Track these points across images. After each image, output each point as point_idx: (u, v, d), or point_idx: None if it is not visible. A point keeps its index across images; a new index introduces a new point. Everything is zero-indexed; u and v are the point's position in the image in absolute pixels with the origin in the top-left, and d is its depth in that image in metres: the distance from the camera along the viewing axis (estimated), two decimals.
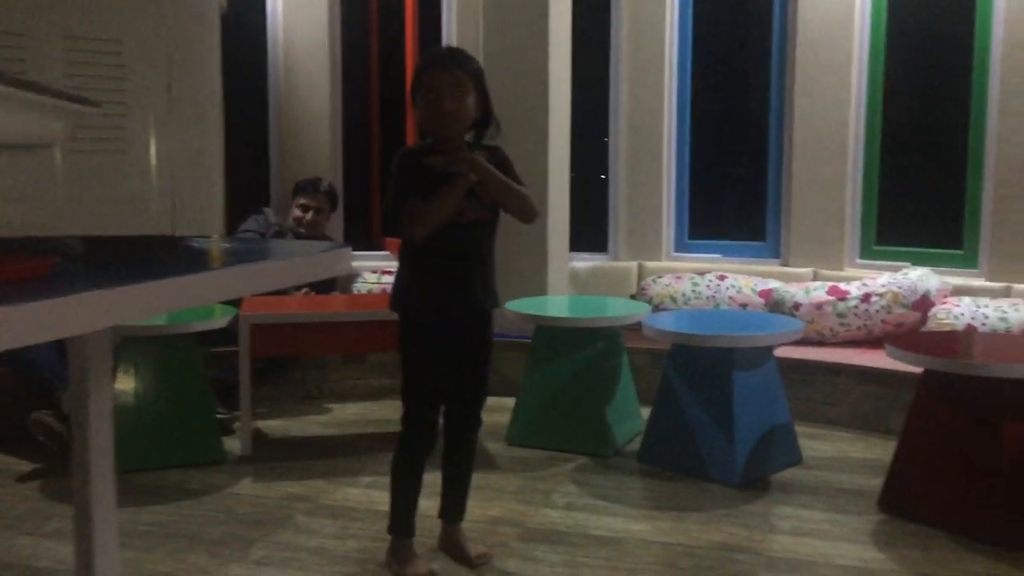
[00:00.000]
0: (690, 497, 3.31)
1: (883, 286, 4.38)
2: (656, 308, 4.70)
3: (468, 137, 2.59)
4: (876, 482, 3.31)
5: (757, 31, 5.25)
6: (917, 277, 4.37)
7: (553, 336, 3.88)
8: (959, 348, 3.29)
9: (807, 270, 4.93)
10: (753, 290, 4.76)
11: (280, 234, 4.76)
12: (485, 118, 2.59)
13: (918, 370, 3.12)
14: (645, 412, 3.87)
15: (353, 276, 5.16)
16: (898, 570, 2.71)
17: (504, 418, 4.04)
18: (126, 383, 3.61)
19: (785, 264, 5.08)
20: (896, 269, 4.54)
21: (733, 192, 5.66)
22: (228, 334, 3.83)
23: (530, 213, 2.58)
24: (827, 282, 4.59)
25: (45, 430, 3.52)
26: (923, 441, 3.07)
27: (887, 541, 2.92)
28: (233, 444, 3.85)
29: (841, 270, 4.87)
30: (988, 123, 4.52)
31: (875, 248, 4.91)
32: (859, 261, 4.92)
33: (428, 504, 2.81)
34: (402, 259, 2.66)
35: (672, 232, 5.42)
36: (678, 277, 4.97)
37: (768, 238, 5.22)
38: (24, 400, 3.67)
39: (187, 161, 1.46)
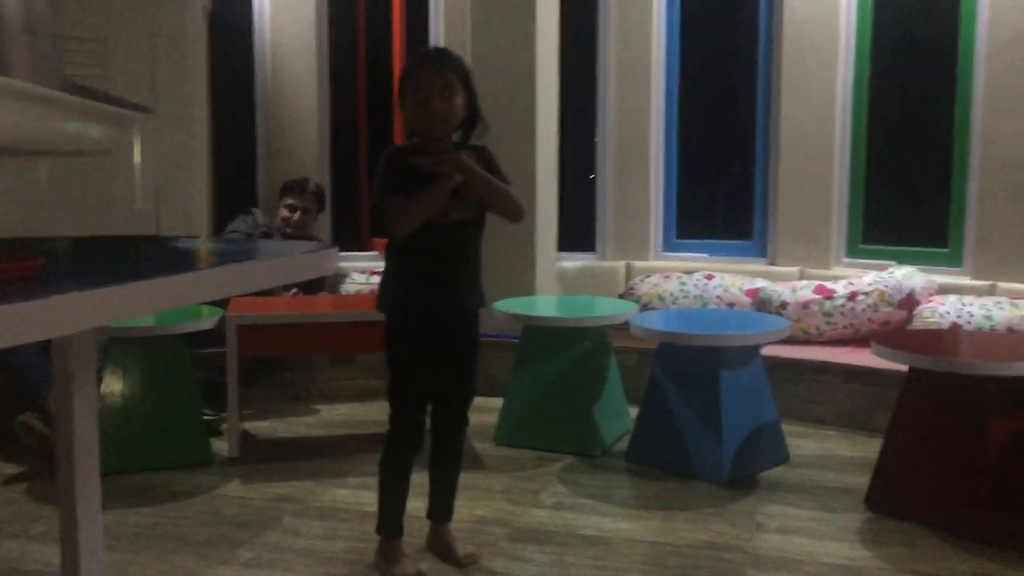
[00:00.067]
0: (678, 496, 3.32)
1: (869, 285, 4.41)
2: (644, 307, 4.71)
3: (455, 137, 2.60)
4: (863, 480, 3.32)
5: (744, 31, 5.27)
6: (903, 276, 4.39)
7: (541, 336, 3.89)
8: (944, 346, 3.31)
9: (794, 269, 4.95)
10: (740, 289, 4.78)
11: (268, 235, 4.75)
12: (472, 118, 2.59)
13: (904, 368, 3.14)
14: (633, 411, 3.88)
15: (341, 277, 5.16)
16: (885, 568, 2.73)
17: (492, 418, 4.04)
18: (113, 384, 3.60)
19: (772, 263, 5.10)
20: (882, 268, 4.57)
21: (720, 191, 5.68)
22: (215, 335, 3.81)
23: (516, 213, 2.58)
24: (814, 281, 4.61)
25: (31, 433, 3.50)
26: (909, 439, 3.08)
27: (874, 539, 2.94)
28: (221, 445, 3.84)
29: (827, 269, 4.89)
30: (973, 123, 4.54)
31: (861, 247, 4.94)
32: (845, 260, 4.95)
33: (416, 504, 2.81)
34: (388, 259, 2.66)
35: (660, 231, 5.44)
36: (666, 276, 4.98)
37: (755, 237, 5.24)
38: (9, 402, 3.65)
39: (171, 161, 1.46)
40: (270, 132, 5.43)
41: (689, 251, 5.37)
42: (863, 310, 4.37)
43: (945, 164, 4.69)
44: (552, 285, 4.95)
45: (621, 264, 5.36)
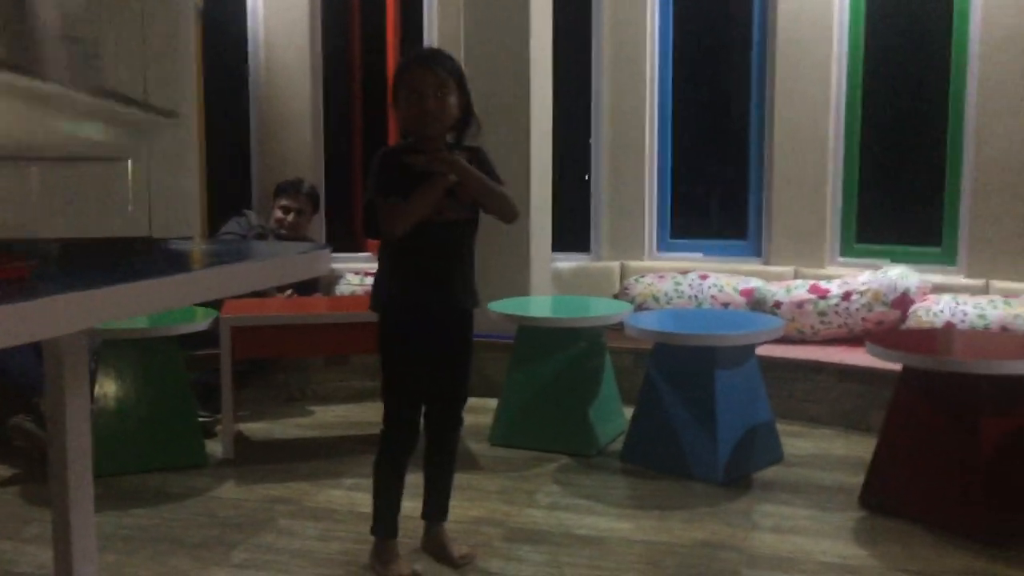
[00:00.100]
0: (673, 496, 3.32)
1: (863, 284, 4.41)
2: (638, 308, 4.71)
3: (449, 137, 2.59)
4: (857, 479, 3.32)
5: (737, 31, 5.27)
6: (897, 275, 4.40)
7: (536, 336, 3.89)
8: (938, 345, 3.32)
9: (788, 269, 4.96)
10: (735, 289, 4.78)
11: (262, 236, 4.74)
12: (466, 118, 2.59)
13: (898, 367, 3.14)
14: (628, 411, 3.88)
15: (335, 278, 5.16)
16: (879, 566, 2.73)
17: (487, 418, 4.04)
18: (107, 387, 3.59)
19: (766, 263, 5.11)
20: (876, 267, 4.57)
21: (715, 192, 5.68)
22: (209, 337, 3.81)
23: (510, 213, 2.58)
24: (808, 280, 4.62)
25: (24, 435, 3.50)
26: (903, 438, 3.09)
27: (868, 537, 2.94)
28: (215, 447, 3.84)
29: (822, 268, 4.90)
30: (966, 122, 4.55)
31: (855, 246, 4.95)
32: (840, 259, 4.95)
33: (411, 505, 2.80)
34: (382, 259, 2.66)
35: (654, 232, 5.44)
36: (660, 276, 4.98)
37: (750, 237, 5.25)
38: (2, 405, 3.65)
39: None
40: (263, 133, 5.43)
41: (684, 251, 5.38)
42: (857, 309, 4.38)
43: (938, 163, 4.70)
44: (547, 285, 4.95)
45: (616, 264, 5.36)
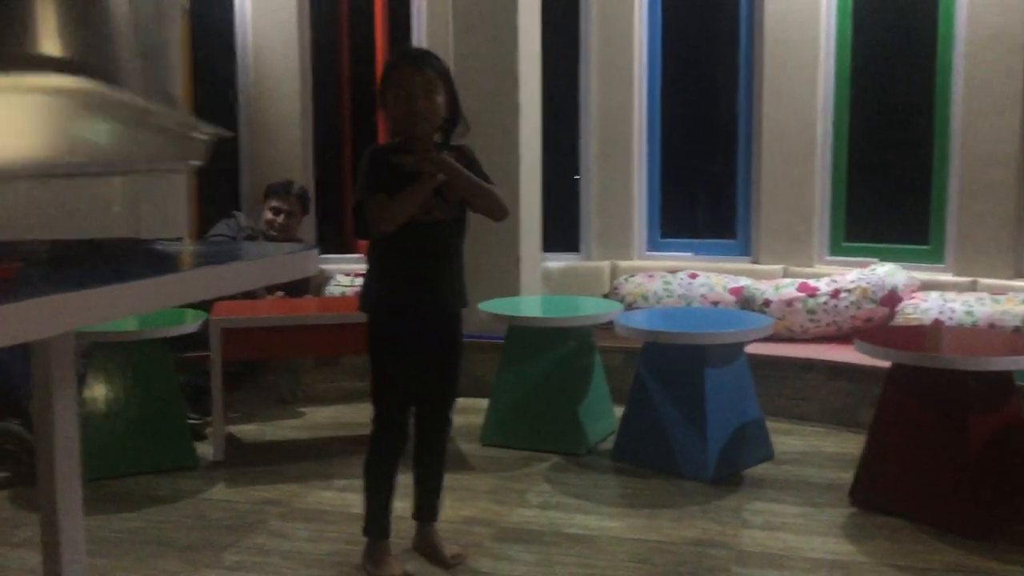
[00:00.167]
0: (663, 494, 3.33)
1: (852, 282, 4.43)
2: (628, 307, 4.72)
3: (437, 137, 2.60)
4: (847, 476, 3.34)
5: (725, 31, 5.29)
6: (885, 273, 4.42)
7: (526, 336, 3.89)
8: (926, 342, 3.33)
9: (777, 267, 4.98)
10: (724, 288, 4.80)
11: (252, 237, 4.73)
12: (453, 117, 2.59)
13: (887, 364, 3.16)
14: (618, 411, 3.89)
15: (326, 279, 5.15)
16: (869, 562, 2.74)
17: (478, 419, 4.04)
18: (97, 389, 3.58)
19: (756, 262, 5.12)
20: (864, 265, 4.59)
21: (704, 191, 5.70)
22: (199, 339, 3.80)
23: (499, 211, 2.59)
24: (797, 279, 4.63)
25: (13, 439, 3.49)
26: (892, 435, 3.10)
27: (858, 534, 2.95)
28: (205, 449, 3.83)
29: (811, 267, 4.91)
30: (952, 120, 4.58)
31: (844, 245, 4.97)
32: (828, 258, 4.97)
33: (402, 505, 2.80)
34: (371, 259, 2.66)
35: (644, 231, 5.45)
36: (650, 276, 4.99)
37: (739, 236, 5.26)
38: None
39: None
40: (253, 134, 5.42)
41: (673, 250, 5.39)
42: (846, 307, 4.40)
43: (926, 162, 4.73)
44: (537, 285, 4.95)
45: (605, 264, 5.37)
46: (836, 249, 4.97)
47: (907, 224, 4.85)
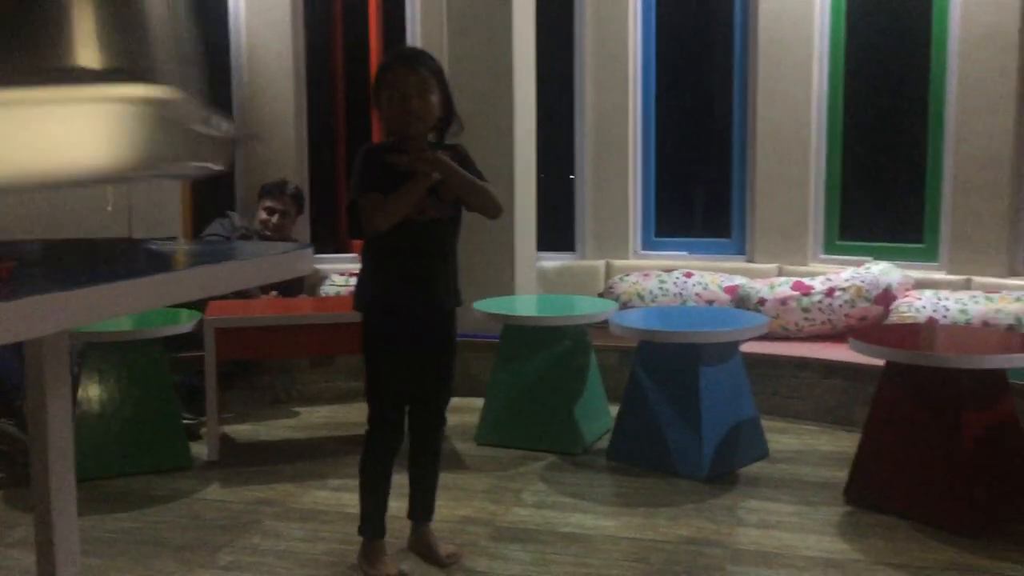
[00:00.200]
0: (658, 493, 3.33)
1: (846, 281, 4.44)
2: (623, 306, 4.72)
3: (431, 137, 2.60)
4: (841, 474, 3.35)
5: (719, 30, 5.29)
6: (879, 271, 4.43)
7: (521, 335, 3.89)
8: (921, 340, 3.34)
9: (772, 266, 4.98)
10: (719, 286, 4.80)
11: (246, 237, 4.73)
12: (447, 117, 2.59)
13: (881, 363, 3.16)
14: (613, 410, 3.89)
15: (320, 278, 5.15)
16: (863, 560, 2.75)
17: (473, 418, 4.04)
18: (91, 389, 3.57)
19: (750, 260, 5.13)
20: (859, 264, 4.60)
21: (698, 190, 5.71)
22: (194, 339, 3.79)
23: (494, 209, 2.59)
24: (791, 277, 4.64)
25: (7, 439, 3.48)
26: (886, 433, 3.11)
27: (852, 532, 2.96)
28: (200, 449, 3.82)
29: (805, 265, 4.92)
30: (946, 120, 4.59)
31: (838, 243, 4.98)
32: (822, 256, 4.98)
33: (397, 505, 2.80)
34: (365, 259, 2.66)
35: (639, 230, 5.45)
36: (645, 275, 4.99)
37: (733, 235, 5.27)
38: None
39: None
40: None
41: (668, 249, 5.39)
42: (840, 306, 4.40)
43: (920, 161, 4.74)
44: (532, 284, 4.95)
45: (600, 263, 5.37)
46: (830, 248, 4.98)
47: (901, 222, 4.87)
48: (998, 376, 3.02)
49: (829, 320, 4.44)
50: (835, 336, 4.43)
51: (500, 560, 2.78)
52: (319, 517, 3.13)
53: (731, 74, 5.20)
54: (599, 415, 4.01)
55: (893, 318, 4.27)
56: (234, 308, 3.99)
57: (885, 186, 5.04)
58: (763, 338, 3.95)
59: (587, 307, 4.11)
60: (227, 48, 5.37)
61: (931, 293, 4.29)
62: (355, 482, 2.73)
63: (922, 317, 4.14)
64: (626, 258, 5.38)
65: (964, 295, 4.21)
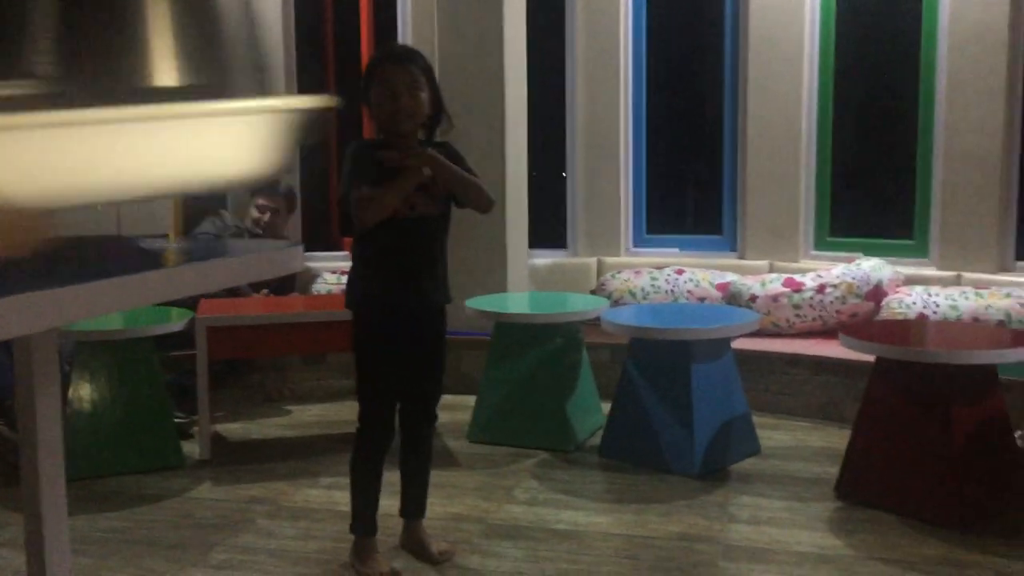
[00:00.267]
0: (650, 489, 3.34)
1: (837, 277, 4.45)
2: (615, 303, 4.73)
3: (420, 134, 2.60)
4: (833, 470, 3.36)
5: (710, 27, 5.30)
6: (870, 267, 4.44)
7: (513, 333, 3.89)
8: (911, 336, 3.35)
9: (763, 262, 4.99)
10: (711, 283, 4.81)
11: (238, 236, 4.72)
12: (436, 115, 2.60)
13: (871, 359, 3.17)
14: (605, 407, 3.90)
15: (312, 276, 5.14)
16: (854, 555, 2.76)
17: (465, 416, 4.04)
18: (82, 388, 3.56)
19: (742, 257, 5.14)
20: (849, 260, 4.61)
21: (690, 187, 5.71)
22: (185, 337, 3.79)
23: (486, 203, 2.59)
24: (782, 274, 4.65)
25: None
26: (877, 429, 3.12)
27: (843, 527, 2.97)
28: (191, 448, 3.81)
29: (796, 262, 4.93)
30: (936, 116, 4.60)
31: (829, 240, 4.99)
32: (813, 253, 5.00)
33: (389, 503, 2.80)
34: (355, 256, 2.66)
35: (630, 227, 5.46)
36: (637, 272, 5.00)
37: (725, 232, 5.28)
38: None
39: None
40: None
41: (659, 246, 5.40)
42: (831, 302, 4.42)
43: (910, 157, 4.75)
44: (524, 282, 4.95)
45: (592, 260, 5.37)
46: (821, 244, 5.00)
47: (891, 219, 4.88)
48: (988, 372, 3.04)
49: (820, 316, 4.45)
50: (826, 332, 4.44)
51: (492, 557, 2.78)
52: (311, 515, 3.13)
53: (722, 71, 5.21)
54: (591, 412, 4.01)
55: (884, 314, 4.28)
56: (226, 306, 3.99)
57: (875, 182, 5.06)
58: (754, 335, 3.96)
59: (579, 304, 4.11)
60: None
61: (921, 289, 4.30)
62: (347, 480, 2.73)
63: (912, 313, 4.16)
64: (618, 255, 5.38)
65: (954, 291, 4.23)
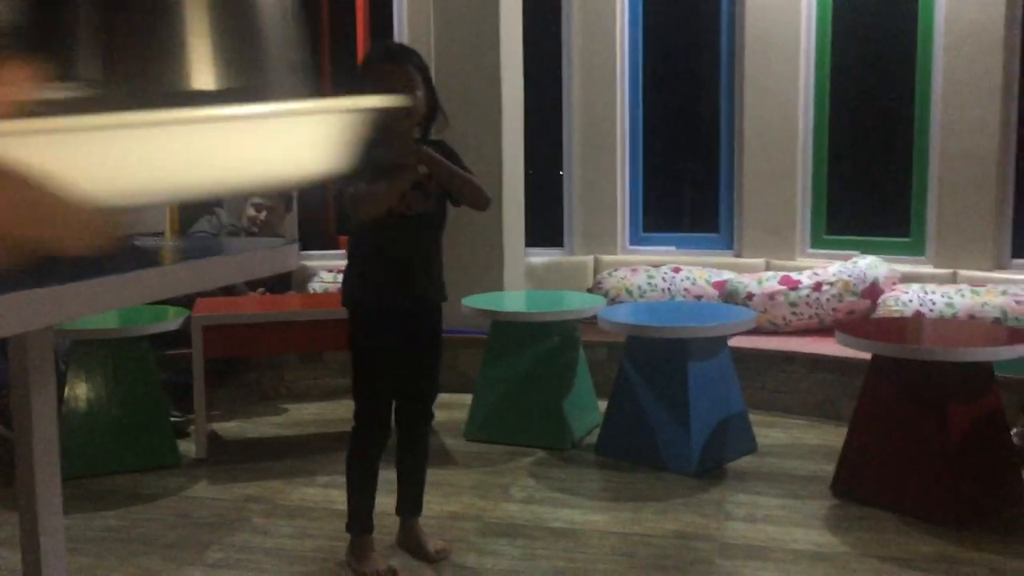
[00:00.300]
0: (647, 487, 3.34)
1: (834, 275, 4.45)
2: (612, 301, 4.73)
3: (415, 132, 2.59)
4: (829, 468, 3.36)
5: (707, 26, 5.30)
6: (866, 265, 4.44)
7: (509, 331, 3.89)
8: (907, 334, 3.36)
9: (760, 260, 5.00)
10: (707, 281, 4.81)
11: (234, 234, 4.70)
12: (432, 113, 2.59)
13: (868, 356, 3.17)
14: (602, 405, 3.89)
15: (309, 275, 5.13)
16: (850, 553, 2.76)
17: (462, 414, 4.04)
18: (78, 387, 3.56)
19: (738, 255, 5.14)
20: (846, 258, 4.62)
21: (686, 186, 5.72)
22: (181, 336, 3.78)
23: (483, 200, 2.59)
24: (779, 272, 4.65)
25: None
26: (873, 426, 3.12)
27: (840, 525, 2.97)
28: (188, 447, 3.81)
29: (793, 260, 4.94)
30: (932, 114, 4.61)
31: (825, 238, 4.99)
32: (810, 251, 5.00)
33: (386, 501, 2.80)
34: (350, 255, 2.65)
35: (627, 226, 5.46)
36: (633, 270, 5.00)
37: (721, 230, 5.28)
38: None
39: None
40: None
41: (656, 245, 5.40)
42: (828, 300, 4.42)
43: (906, 155, 4.76)
44: (520, 280, 4.95)
45: (589, 258, 5.37)
46: (818, 242, 5.00)
47: (888, 217, 4.89)
48: (984, 369, 3.04)
49: (816, 314, 4.45)
50: (822, 330, 4.44)
51: (489, 555, 2.78)
52: (308, 514, 3.13)
53: (718, 70, 5.21)
54: (588, 410, 4.01)
55: (880, 312, 4.29)
56: (222, 305, 3.98)
57: (872, 181, 5.06)
58: (751, 333, 3.96)
59: (575, 302, 4.10)
60: None
61: (918, 287, 4.30)
62: (343, 479, 2.72)
63: (909, 311, 4.16)
64: (614, 254, 5.38)
65: (950, 289, 4.23)
